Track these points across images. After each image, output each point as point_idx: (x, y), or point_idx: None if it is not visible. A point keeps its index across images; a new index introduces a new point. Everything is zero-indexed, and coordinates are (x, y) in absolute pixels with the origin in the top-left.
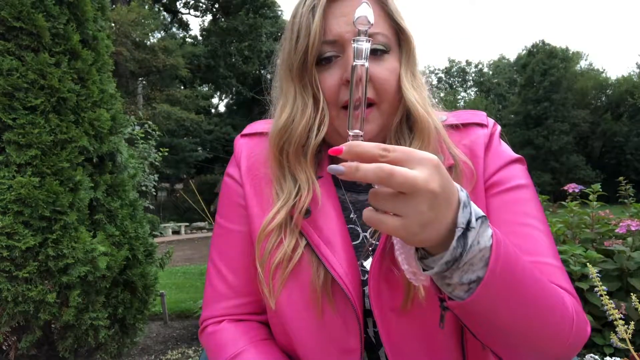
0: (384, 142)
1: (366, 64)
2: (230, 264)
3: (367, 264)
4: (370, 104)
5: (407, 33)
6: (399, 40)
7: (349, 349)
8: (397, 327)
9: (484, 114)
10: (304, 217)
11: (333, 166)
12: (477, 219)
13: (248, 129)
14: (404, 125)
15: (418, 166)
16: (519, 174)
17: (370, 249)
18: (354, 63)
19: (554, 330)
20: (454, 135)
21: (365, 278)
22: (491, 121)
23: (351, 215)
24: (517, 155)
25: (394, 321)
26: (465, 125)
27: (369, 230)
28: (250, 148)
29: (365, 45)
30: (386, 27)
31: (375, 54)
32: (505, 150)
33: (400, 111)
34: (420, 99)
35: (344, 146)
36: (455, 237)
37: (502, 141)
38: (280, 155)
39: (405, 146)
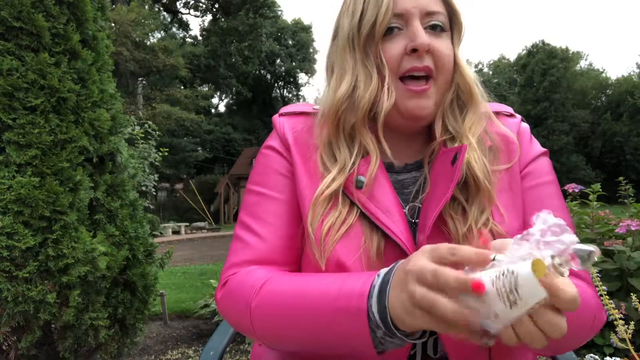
0: (435, 118)
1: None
2: (267, 230)
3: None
4: (428, 77)
5: (460, 17)
6: (451, 23)
7: None
8: None
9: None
10: (357, 188)
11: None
12: None
13: (286, 109)
14: (454, 103)
15: None
16: (548, 168)
17: (413, 220)
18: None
19: (588, 333)
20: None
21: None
22: (517, 115)
23: None
24: (545, 149)
25: None
26: (496, 114)
27: (407, 207)
28: (292, 124)
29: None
30: (444, 9)
31: (435, 29)
32: (537, 143)
33: (452, 89)
34: (473, 76)
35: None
36: None
37: (532, 136)
38: (337, 125)
39: (459, 120)
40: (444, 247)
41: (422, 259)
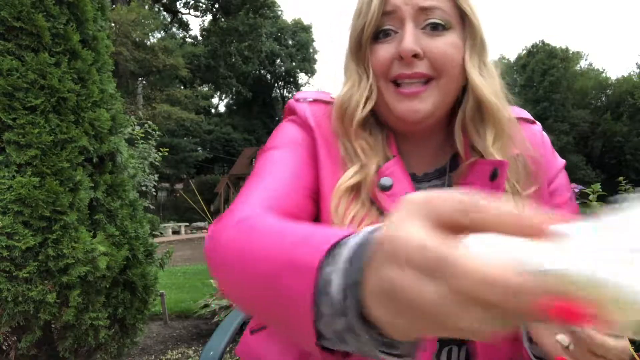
0: (452, 128)
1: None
2: (274, 178)
3: None
4: (428, 80)
5: (470, 16)
6: (464, 22)
7: None
8: None
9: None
10: (383, 190)
11: None
12: None
13: (302, 95)
14: (475, 114)
15: None
16: (568, 181)
17: None
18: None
19: None
20: None
21: None
22: (537, 122)
23: None
24: (564, 160)
25: None
26: (519, 120)
27: None
28: (313, 110)
29: None
30: (448, 5)
31: (437, 29)
32: (557, 154)
33: (471, 97)
34: (489, 86)
35: None
36: None
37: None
38: (344, 128)
39: (482, 136)
40: (452, 201)
41: (414, 229)
